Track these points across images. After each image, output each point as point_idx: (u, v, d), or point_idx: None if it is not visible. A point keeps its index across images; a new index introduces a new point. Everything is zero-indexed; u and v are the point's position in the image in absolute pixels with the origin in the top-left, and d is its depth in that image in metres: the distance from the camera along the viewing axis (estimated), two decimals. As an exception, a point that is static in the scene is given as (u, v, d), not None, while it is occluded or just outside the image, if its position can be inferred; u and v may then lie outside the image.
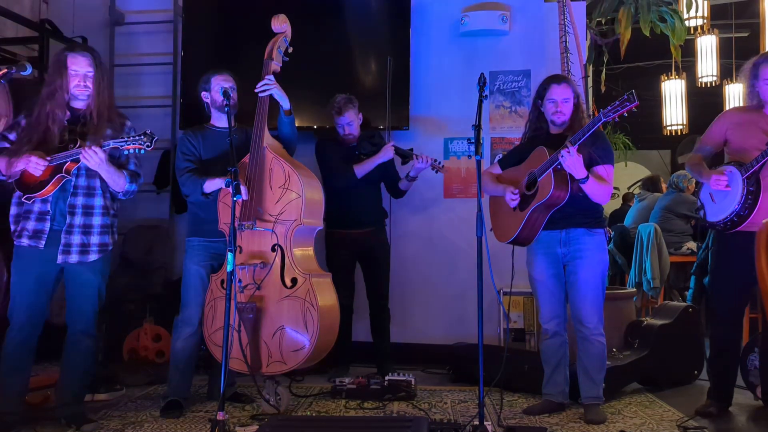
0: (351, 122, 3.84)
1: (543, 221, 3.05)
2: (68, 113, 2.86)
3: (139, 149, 2.72)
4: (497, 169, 3.34)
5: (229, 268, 2.74)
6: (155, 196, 4.72)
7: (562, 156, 2.84)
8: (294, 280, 3.04)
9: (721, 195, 3.03)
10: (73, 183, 2.82)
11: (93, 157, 2.71)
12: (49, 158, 2.75)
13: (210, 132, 3.31)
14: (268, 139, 3.20)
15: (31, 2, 4.81)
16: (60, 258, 2.80)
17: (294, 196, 3.09)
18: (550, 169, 2.93)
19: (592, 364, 3.08)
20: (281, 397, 3.12)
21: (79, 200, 2.84)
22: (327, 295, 3.11)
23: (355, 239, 3.88)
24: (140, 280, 4.47)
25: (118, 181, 2.87)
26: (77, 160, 2.76)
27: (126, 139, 2.75)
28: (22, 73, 2.74)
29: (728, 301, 3.10)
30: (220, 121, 3.30)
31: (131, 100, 4.76)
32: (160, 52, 4.76)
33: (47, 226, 2.80)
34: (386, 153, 3.78)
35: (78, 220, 2.83)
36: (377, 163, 3.78)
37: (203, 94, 3.32)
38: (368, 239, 3.90)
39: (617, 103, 2.73)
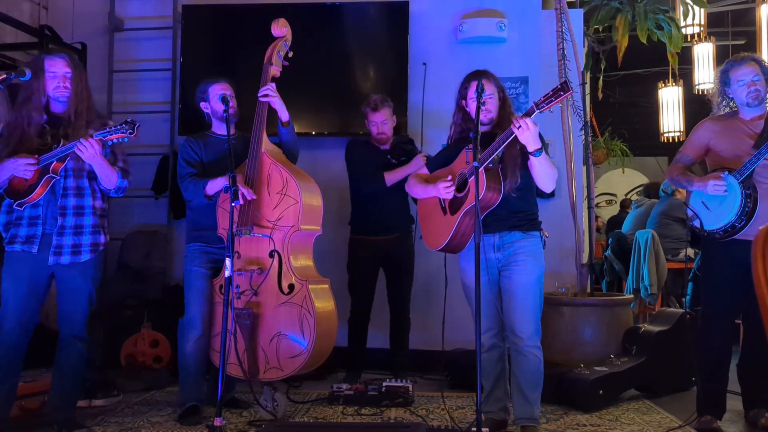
0: (385, 121, 3.80)
1: None
2: (45, 116, 2.85)
3: (123, 137, 2.73)
4: (424, 170, 3.16)
5: (227, 273, 2.75)
6: (154, 202, 4.72)
7: (519, 127, 2.61)
8: (291, 287, 3.04)
9: (716, 202, 2.96)
10: (62, 184, 2.81)
11: (89, 149, 2.71)
12: (36, 157, 2.73)
13: (211, 139, 3.31)
14: (266, 144, 3.20)
15: (31, 8, 4.82)
16: (51, 260, 2.79)
17: (292, 202, 3.09)
18: (482, 167, 2.71)
19: (526, 379, 2.81)
20: (278, 403, 3.12)
21: (70, 201, 2.84)
22: (324, 301, 3.11)
23: (380, 246, 3.84)
24: (138, 286, 4.46)
25: (110, 177, 2.87)
26: (63, 159, 2.76)
27: (108, 129, 2.75)
28: (21, 78, 2.75)
29: (721, 310, 3.02)
30: (221, 128, 3.29)
31: (130, 106, 4.78)
32: (159, 58, 4.77)
33: (39, 230, 2.80)
34: (417, 163, 3.69)
35: (69, 221, 2.83)
36: (408, 173, 3.67)
37: (202, 104, 3.32)
38: (393, 245, 3.86)
39: (550, 92, 2.61)
